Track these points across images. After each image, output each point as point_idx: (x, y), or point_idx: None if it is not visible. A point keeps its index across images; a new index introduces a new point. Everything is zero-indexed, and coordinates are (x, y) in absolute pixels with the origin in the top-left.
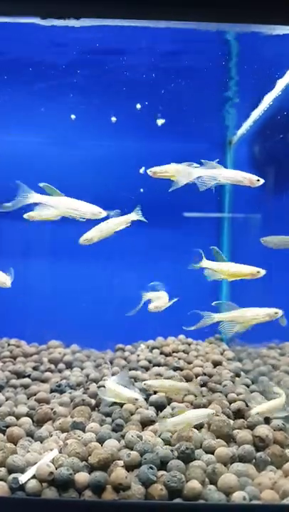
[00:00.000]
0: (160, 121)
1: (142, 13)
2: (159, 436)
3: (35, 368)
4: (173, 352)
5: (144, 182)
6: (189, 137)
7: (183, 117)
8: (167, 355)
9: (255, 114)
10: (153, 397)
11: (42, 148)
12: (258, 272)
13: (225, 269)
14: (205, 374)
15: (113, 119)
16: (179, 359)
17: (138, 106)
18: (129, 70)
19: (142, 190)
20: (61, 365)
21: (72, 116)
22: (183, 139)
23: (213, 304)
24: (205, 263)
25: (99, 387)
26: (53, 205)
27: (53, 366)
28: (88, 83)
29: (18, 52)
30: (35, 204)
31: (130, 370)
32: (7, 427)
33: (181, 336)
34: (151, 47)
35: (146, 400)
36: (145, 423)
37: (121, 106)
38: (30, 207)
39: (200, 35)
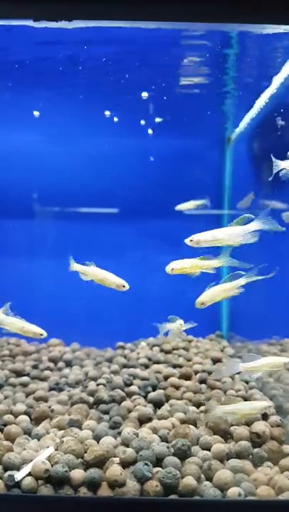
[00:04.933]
0: (158, 119)
1: (133, 14)
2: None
3: (34, 367)
4: (173, 349)
5: (144, 179)
6: (188, 134)
7: (182, 114)
8: (167, 352)
9: (253, 111)
10: (151, 394)
11: (41, 146)
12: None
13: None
14: (204, 371)
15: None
16: (179, 356)
17: (137, 103)
18: (128, 67)
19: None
20: (61, 364)
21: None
22: (182, 136)
23: None
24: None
25: (98, 385)
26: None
27: (52, 365)
28: (85, 80)
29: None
30: None
31: (129, 367)
32: (5, 425)
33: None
34: (148, 44)
35: (145, 397)
36: (143, 420)
37: (120, 103)
38: None
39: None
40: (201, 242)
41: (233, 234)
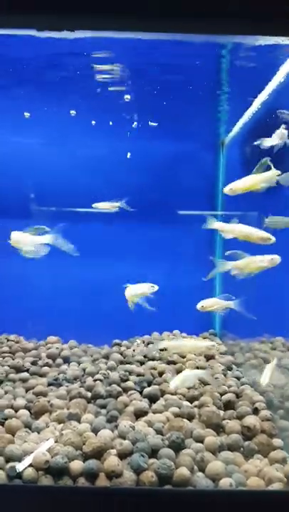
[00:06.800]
0: (153, 123)
1: (133, 25)
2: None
3: (33, 363)
4: None
5: (137, 181)
6: (182, 138)
7: (176, 118)
8: (162, 349)
9: (246, 116)
10: (147, 390)
11: (37, 148)
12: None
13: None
14: (198, 367)
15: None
16: (174, 353)
17: (132, 107)
18: (122, 72)
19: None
20: (59, 360)
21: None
22: (176, 139)
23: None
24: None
25: (95, 380)
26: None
27: (50, 361)
28: (80, 84)
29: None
30: None
31: (125, 364)
32: (6, 419)
33: (176, 331)
34: (144, 52)
35: (141, 392)
36: (138, 414)
37: (114, 106)
38: None
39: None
40: None
41: (25, 241)
